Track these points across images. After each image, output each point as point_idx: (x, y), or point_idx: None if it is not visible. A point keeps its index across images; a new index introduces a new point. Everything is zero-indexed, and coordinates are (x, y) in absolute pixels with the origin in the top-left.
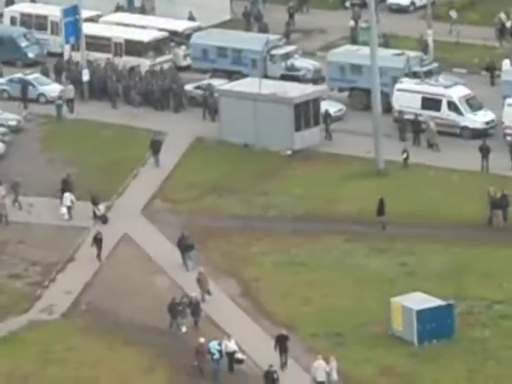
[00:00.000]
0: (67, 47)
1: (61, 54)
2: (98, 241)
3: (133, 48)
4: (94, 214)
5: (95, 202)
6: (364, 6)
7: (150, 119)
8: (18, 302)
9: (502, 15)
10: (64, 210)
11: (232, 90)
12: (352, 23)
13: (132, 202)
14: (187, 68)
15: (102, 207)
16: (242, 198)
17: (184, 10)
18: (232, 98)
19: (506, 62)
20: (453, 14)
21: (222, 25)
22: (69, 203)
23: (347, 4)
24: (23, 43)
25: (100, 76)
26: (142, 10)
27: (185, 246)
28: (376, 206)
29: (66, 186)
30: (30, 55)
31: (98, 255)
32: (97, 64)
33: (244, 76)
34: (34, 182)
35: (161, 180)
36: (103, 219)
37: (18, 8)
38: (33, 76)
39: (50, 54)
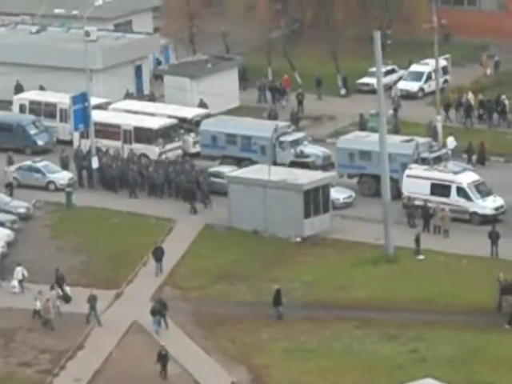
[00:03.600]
0: (76, 135)
1: (70, 142)
2: (162, 356)
3: (142, 135)
4: (57, 294)
5: (60, 283)
6: (374, 92)
7: (158, 206)
8: None
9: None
10: (15, 282)
11: (241, 176)
12: (390, 111)
13: (142, 289)
14: (196, 155)
15: (67, 288)
16: (252, 285)
17: (193, 97)
18: (241, 185)
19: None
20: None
21: (232, 112)
22: (20, 277)
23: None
24: (32, 131)
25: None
26: (151, 97)
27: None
28: (273, 296)
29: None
30: (40, 143)
31: (161, 372)
32: (105, 152)
33: (253, 163)
34: (43, 270)
35: (170, 267)
36: (66, 299)
37: (27, 96)
38: (42, 164)
39: (60, 142)
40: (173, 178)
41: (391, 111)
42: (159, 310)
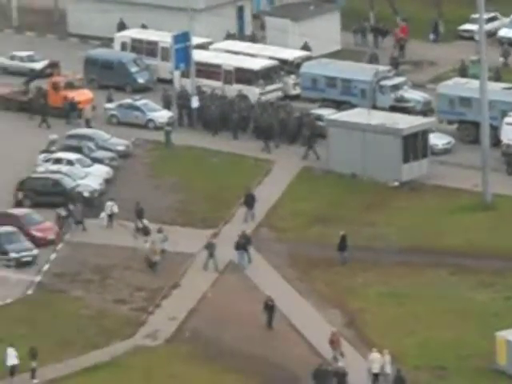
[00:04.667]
0: (177, 74)
1: (170, 81)
2: (269, 308)
3: (243, 76)
4: (137, 226)
5: (139, 216)
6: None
7: (257, 148)
8: (122, 327)
9: None
10: (104, 216)
11: (341, 120)
12: (501, 59)
13: (238, 229)
14: (296, 97)
15: (145, 221)
16: (349, 229)
17: (294, 39)
18: (341, 128)
19: None
20: None
21: (333, 55)
22: (109, 212)
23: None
24: (133, 69)
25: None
26: (253, 38)
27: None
28: (339, 241)
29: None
30: (140, 81)
31: (269, 323)
32: (204, 91)
33: (353, 106)
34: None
35: (267, 208)
36: (145, 231)
37: (128, 33)
38: (142, 102)
39: (160, 81)
40: (278, 120)
41: (502, 59)
42: (243, 245)
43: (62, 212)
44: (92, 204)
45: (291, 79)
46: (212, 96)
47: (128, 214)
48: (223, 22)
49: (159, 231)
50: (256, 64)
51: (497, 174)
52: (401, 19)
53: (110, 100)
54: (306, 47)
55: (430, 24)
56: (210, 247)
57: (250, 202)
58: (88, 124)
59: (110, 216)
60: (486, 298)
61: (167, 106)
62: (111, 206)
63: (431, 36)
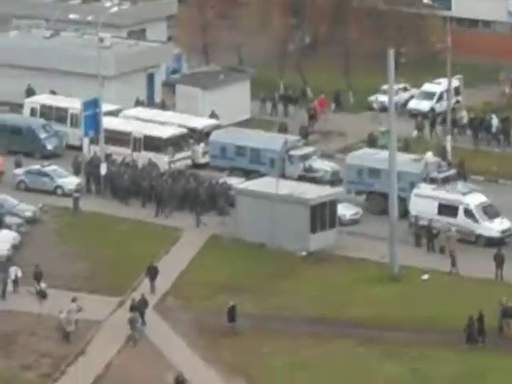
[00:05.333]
0: (86, 140)
1: (80, 147)
2: (179, 382)
3: (152, 143)
4: (35, 289)
5: (37, 279)
6: (384, 110)
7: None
8: None
9: None
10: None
11: (249, 189)
12: (415, 132)
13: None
14: (205, 165)
15: (43, 284)
16: (256, 297)
17: (204, 108)
18: (249, 197)
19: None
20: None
21: (242, 123)
22: (13, 277)
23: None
24: (42, 135)
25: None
26: (162, 106)
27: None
28: (227, 312)
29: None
30: (49, 147)
31: None
32: (113, 159)
33: (262, 175)
34: (48, 274)
35: (175, 277)
36: (42, 294)
37: (38, 99)
38: (50, 168)
39: (69, 147)
40: (190, 189)
41: (416, 132)
42: (138, 307)
43: None
44: None
45: (200, 147)
46: (122, 164)
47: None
48: (133, 89)
49: (73, 300)
50: (165, 132)
51: (404, 246)
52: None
53: (18, 165)
54: (213, 115)
55: (333, 94)
56: (132, 321)
57: (152, 273)
58: None
59: (15, 281)
60: (393, 369)
61: (77, 172)
62: (15, 271)
63: (332, 106)
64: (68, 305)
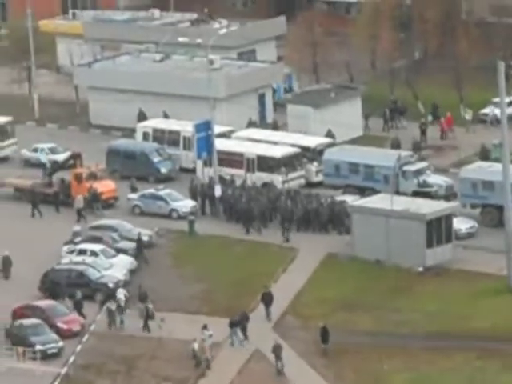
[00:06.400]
0: (199, 163)
1: (193, 170)
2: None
3: (265, 164)
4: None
5: (143, 300)
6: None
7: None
8: None
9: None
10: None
11: (364, 206)
12: None
13: (264, 317)
14: (319, 184)
15: (150, 305)
16: (374, 315)
17: (316, 126)
18: (365, 215)
19: None
20: None
21: (354, 141)
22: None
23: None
24: (156, 158)
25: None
26: (274, 126)
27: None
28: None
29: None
30: (163, 171)
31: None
32: (231, 181)
33: (376, 192)
34: (165, 297)
35: (292, 296)
36: (151, 316)
37: (150, 124)
38: (165, 192)
39: (182, 170)
40: (311, 209)
41: None
42: (238, 322)
43: (113, 306)
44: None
45: (314, 166)
46: (239, 186)
47: (154, 305)
48: (245, 110)
49: (204, 328)
50: (278, 152)
51: None
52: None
53: (133, 190)
54: (329, 134)
55: (430, 107)
56: (276, 350)
57: (267, 299)
58: (79, 214)
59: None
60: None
61: (194, 195)
62: (123, 292)
63: (429, 117)
64: (199, 332)
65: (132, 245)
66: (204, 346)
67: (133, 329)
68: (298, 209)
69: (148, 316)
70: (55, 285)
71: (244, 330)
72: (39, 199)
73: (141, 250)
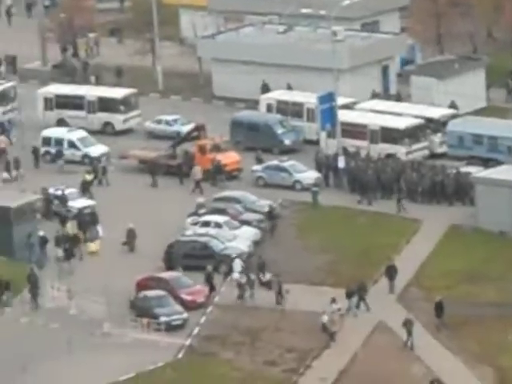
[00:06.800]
0: (323, 134)
1: (316, 142)
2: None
3: (389, 135)
4: (260, 280)
5: (261, 269)
6: None
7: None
8: None
9: None
10: (236, 275)
11: (488, 177)
12: None
13: (387, 289)
14: (442, 155)
15: (268, 275)
16: (499, 286)
17: (440, 97)
18: (488, 186)
19: None
20: None
21: (478, 112)
22: (240, 269)
23: None
24: (279, 130)
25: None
26: (398, 97)
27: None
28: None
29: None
30: (287, 142)
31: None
32: (356, 152)
33: (500, 163)
34: (290, 269)
35: (416, 267)
36: (268, 286)
37: (274, 95)
38: (288, 163)
39: (306, 142)
40: (437, 181)
41: None
42: (356, 292)
43: (242, 279)
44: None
45: (437, 137)
46: (364, 158)
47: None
48: (367, 82)
49: (333, 301)
50: (402, 123)
51: None
52: None
53: (259, 161)
54: (453, 105)
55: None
56: (407, 324)
57: (391, 273)
58: (197, 185)
59: (241, 273)
60: None
61: (319, 167)
62: (240, 263)
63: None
64: (327, 305)
65: (256, 216)
66: (334, 319)
67: (257, 300)
68: (423, 181)
69: (268, 287)
70: (179, 257)
71: (363, 300)
72: (162, 171)
73: (273, 221)
